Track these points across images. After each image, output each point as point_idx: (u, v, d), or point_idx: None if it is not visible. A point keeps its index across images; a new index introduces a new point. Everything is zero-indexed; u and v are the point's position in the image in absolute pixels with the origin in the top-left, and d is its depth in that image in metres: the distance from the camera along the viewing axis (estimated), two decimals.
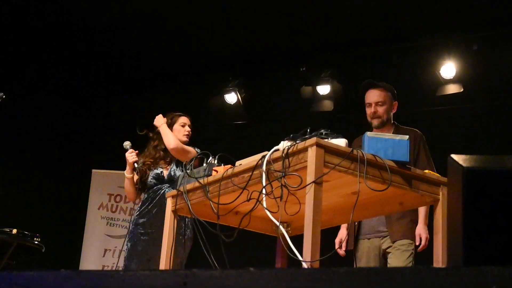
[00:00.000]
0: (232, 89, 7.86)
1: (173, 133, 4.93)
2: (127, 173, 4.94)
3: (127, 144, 4.99)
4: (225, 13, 7.08)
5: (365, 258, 4.17)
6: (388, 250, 4.14)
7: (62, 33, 7.57)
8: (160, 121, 4.95)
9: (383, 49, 7.25)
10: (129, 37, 7.70)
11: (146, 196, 4.92)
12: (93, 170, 8.38)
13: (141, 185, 4.96)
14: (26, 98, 7.89)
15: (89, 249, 8.07)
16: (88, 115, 8.73)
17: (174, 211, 3.62)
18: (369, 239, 4.21)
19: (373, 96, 4.32)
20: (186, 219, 4.54)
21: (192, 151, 4.85)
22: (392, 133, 4.18)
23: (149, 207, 4.83)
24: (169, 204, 3.66)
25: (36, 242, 5.75)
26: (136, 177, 4.98)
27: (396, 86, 4.51)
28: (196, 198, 3.45)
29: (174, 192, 3.65)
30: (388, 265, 4.07)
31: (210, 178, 3.33)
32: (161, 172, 4.93)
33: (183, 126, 4.99)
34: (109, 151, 8.29)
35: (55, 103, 8.41)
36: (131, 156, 4.92)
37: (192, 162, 3.51)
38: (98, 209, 8.24)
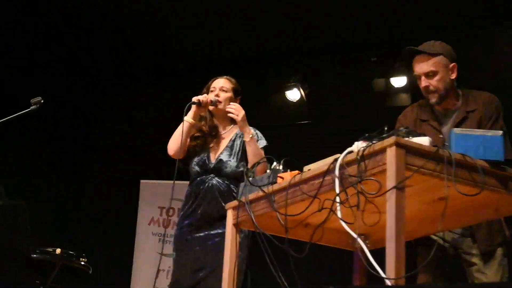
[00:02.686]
0: (293, 85, 7.88)
1: None
2: (189, 117, 4.46)
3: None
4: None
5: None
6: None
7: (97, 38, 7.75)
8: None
9: (475, 33, 7.10)
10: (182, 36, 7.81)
11: (189, 190, 4.54)
12: (142, 181, 8.49)
13: (183, 164, 4.56)
14: (63, 105, 8.09)
15: (140, 269, 8.18)
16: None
17: (236, 225, 3.64)
18: None
19: (420, 66, 3.83)
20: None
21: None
22: (461, 103, 3.88)
23: (193, 206, 4.45)
24: (230, 217, 3.67)
25: (82, 263, 5.86)
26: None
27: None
28: (260, 209, 3.46)
29: (234, 203, 3.66)
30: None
31: (275, 186, 3.34)
32: (207, 156, 4.52)
33: (212, 91, 4.61)
34: (158, 159, 8.39)
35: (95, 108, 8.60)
36: (203, 95, 4.47)
37: (254, 168, 3.53)
38: (149, 224, 8.35)
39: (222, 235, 4.00)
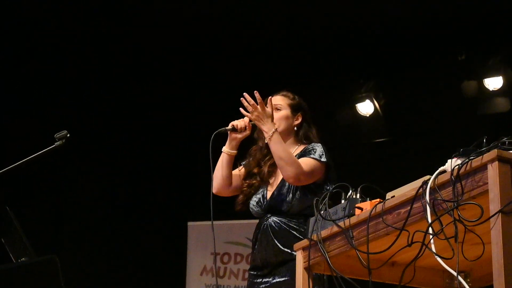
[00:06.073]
0: (366, 96, 7.87)
1: None
2: (227, 147, 4.47)
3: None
4: None
5: None
6: None
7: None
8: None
9: None
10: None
11: (254, 230, 4.54)
12: (189, 223, 8.51)
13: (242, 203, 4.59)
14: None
15: None
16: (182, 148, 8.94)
17: (308, 268, 3.63)
18: None
19: None
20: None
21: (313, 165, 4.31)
22: None
23: (254, 252, 4.47)
24: (300, 259, 3.67)
25: None
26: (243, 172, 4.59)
27: None
28: (336, 248, 3.45)
29: (304, 242, 3.66)
30: None
31: (353, 220, 3.33)
32: (263, 193, 4.49)
33: None
34: (208, 197, 8.40)
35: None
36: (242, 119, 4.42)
37: (326, 199, 3.53)
38: (201, 274, 8.36)
39: (285, 284, 4.16)
